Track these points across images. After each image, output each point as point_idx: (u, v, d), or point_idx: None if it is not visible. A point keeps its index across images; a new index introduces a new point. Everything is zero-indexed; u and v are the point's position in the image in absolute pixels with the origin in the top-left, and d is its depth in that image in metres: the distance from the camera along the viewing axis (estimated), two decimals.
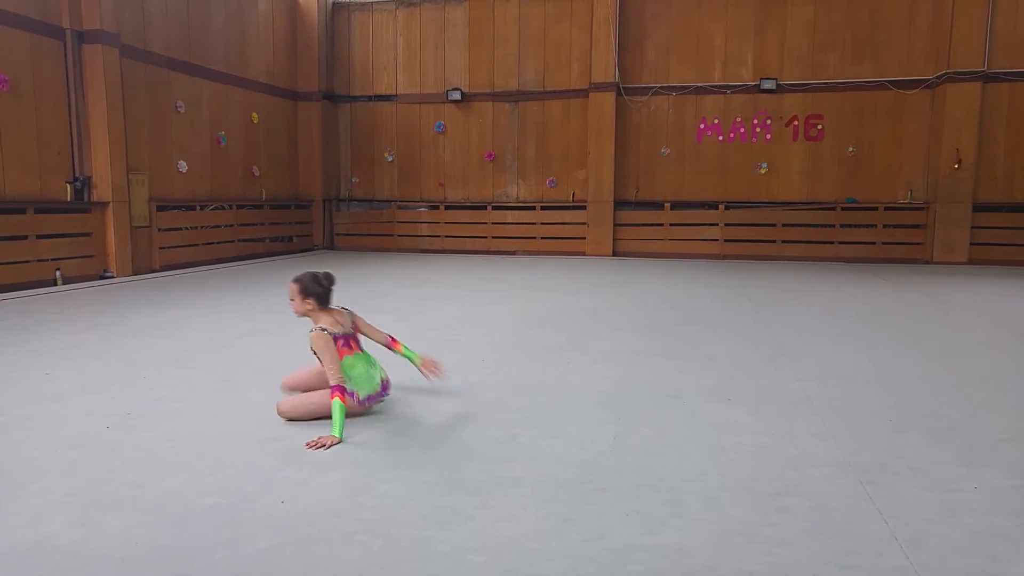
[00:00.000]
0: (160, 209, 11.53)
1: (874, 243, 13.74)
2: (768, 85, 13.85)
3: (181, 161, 12.11)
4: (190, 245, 12.23)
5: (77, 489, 3.03)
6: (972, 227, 13.14)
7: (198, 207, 12.51)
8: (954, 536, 2.67)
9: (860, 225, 13.80)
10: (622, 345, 5.98)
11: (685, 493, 3.03)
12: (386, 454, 3.47)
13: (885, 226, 13.71)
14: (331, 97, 15.86)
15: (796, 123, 14.00)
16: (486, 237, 15.39)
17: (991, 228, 13.13)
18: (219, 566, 2.42)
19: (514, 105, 15.14)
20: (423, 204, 15.77)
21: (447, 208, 15.63)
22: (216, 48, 12.90)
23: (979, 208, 13.12)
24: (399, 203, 15.87)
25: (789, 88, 13.93)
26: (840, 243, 13.87)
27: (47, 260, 9.58)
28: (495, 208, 15.36)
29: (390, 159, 15.82)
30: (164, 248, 11.58)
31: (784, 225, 14.06)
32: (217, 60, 12.91)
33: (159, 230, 11.49)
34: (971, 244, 13.15)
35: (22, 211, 9.27)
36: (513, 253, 15.08)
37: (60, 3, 9.87)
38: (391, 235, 15.88)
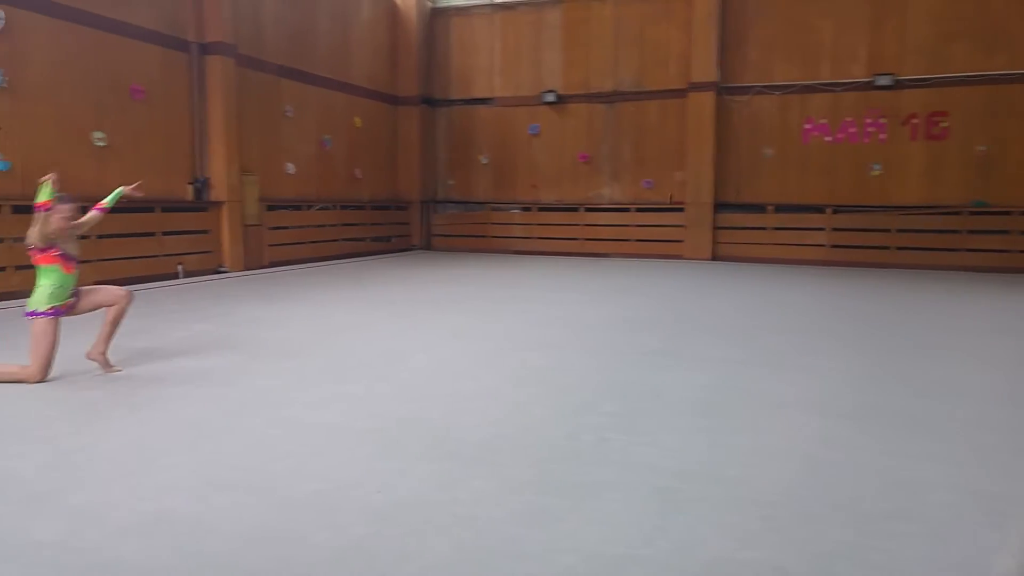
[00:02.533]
0: (270, 209, 12.19)
1: (1008, 251, 12.61)
2: (884, 81, 13.06)
3: (289, 163, 12.74)
4: (297, 243, 12.86)
5: (196, 468, 3.26)
6: None
7: (304, 207, 13.12)
8: None
9: (991, 231, 12.72)
10: (720, 352, 5.81)
11: (783, 508, 2.90)
12: (480, 451, 3.51)
13: (1022, 233, 12.55)
14: (429, 101, 16.24)
15: (916, 121, 13.12)
16: (578, 239, 15.33)
17: None
18: (318, 550, 2.52)
19: (609, 106, 15.01)
20: (516, 206, 15.89)
21: (540, 210, 15.67)
22: (322, 55, 13.47)
23: None
24: (493, 205, 16.04)
25: (908, 84, 13.08)
26: (966, 250, 12.84)
27: (172, 255, 10.34)
28: (588, 210, 15.27)
29: (485, 161, 16.03)
30: (273, 245, 12.23)
31: (899, 231, 13.23)
32: (323, 66, 13.48)
33: (269, 228, 12.14)
34: None
35: (151, 210, 10.02)
36: (606, 255, 14.94)
37: (187, 18, 10.62)
38: (485, 236, 16.09)
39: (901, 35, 13.07)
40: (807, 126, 13.81)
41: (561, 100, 15.20)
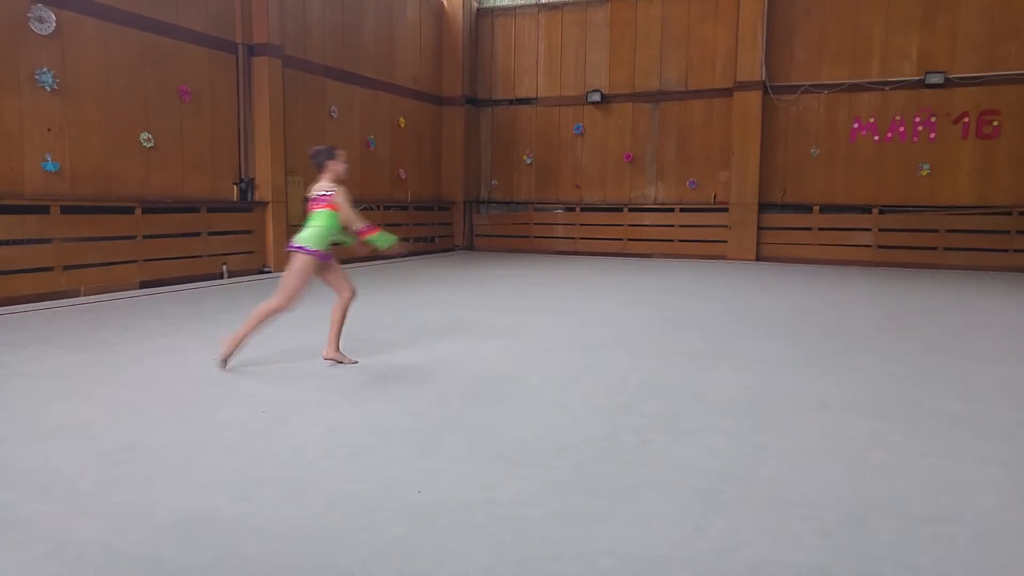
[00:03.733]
0: None
1: None
2: (934, 79, 12.74)
3: None
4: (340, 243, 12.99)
5: (237, 467, 3.31)
6: None
7: None
8: None
9: None
10: (763, 353, 5.75)
11: (826, 510, 2.88)
12: (519, 451, 3.55)
13: None
14: (473, 101, 16.34)
15: (966, 120, 12.77)
16: (622, 239, 15.26)
17: None
18: (359, 548, 2.57)
19: (654, 105, 14.91)
20: (560, 206, 15.89)
21: (583, 210, 15.65)
22: (367, 55, 13.66)
23: None
24: (536, 205, 16.07)
25: (960, 82, 12.74)
26: (1016, 251, 12.51)
27: (216, 255, 10.52)
28: (631, 210, 15.19)
29: (528, 161, 16.07)
30: None
31: (948, 231, 12.89)
32: (368, 67, 13.66)
33: None
34: None
35: (197, 210, 10.25)
36: (650, 256, 14.85)
37: (235, 19, 10.85)
38: (528, 236, 16.13)
39: (953, 33, 12.73)
40: (855, 125, 13.53)
41: (606, 100, 15.15)
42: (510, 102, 16.17)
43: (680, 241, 14.78)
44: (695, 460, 3.43)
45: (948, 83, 12.75)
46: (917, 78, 12.94)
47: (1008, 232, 12.53)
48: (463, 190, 16.27)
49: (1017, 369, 5.31)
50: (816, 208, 13.75)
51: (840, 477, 3.23)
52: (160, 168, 9.77)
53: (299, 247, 4.91)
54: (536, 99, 15.90)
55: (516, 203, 16.34)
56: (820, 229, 13.76)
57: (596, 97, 15.07)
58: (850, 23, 13.37)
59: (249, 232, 11.14)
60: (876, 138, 13.38)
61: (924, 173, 13.07)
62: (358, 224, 4.99)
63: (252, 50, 11.02)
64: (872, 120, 13.38)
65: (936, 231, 12.96)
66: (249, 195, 11.19)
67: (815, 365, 5.37)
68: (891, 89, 13.19)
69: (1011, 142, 12.54)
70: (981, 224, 12.68)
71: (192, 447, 3.56)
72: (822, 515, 2.84)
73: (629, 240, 15.19)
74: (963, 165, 12.86)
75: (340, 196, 4.96)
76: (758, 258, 13.99)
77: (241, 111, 11.06)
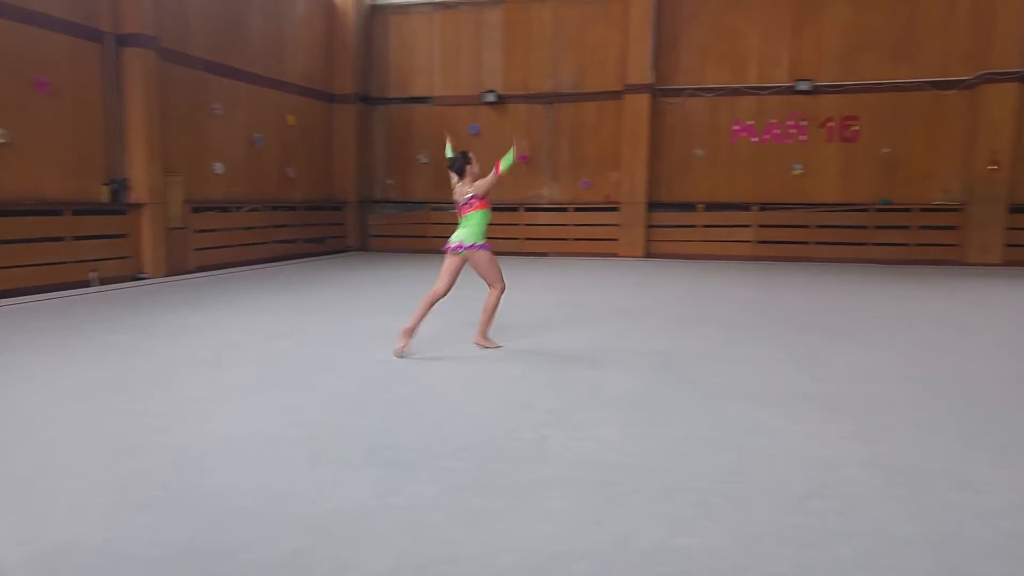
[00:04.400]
0: (196, 211, 11.72)
1: (907, 244, 13.49)
2: (803, 86, 13.67)
3: (217, 163, 12.34)
4: (225, 246, 12.41)
5: (108, 490, 3.07)
6: (1007, 228, 12.84)
7: (234, 208, 12.72)
8: (984, 538, 2.64)
9: (895, 227, 13.55)
10: (652, 346, 5.97)
11: (715, 495, 3.03)
12: (416, 454, 3.52)
13: (920, 227, 13.45)
14: (367, 99, 16.05)
15: (831, 124, 13.79)
16: (518, 239, 15.43)
17: None
18: (250, 567, 2.46)
19: (549, 107, 15.17)
20: (457, 206, 15.83)
21: None
22: (253, 51, 13.12)
23: (1015, 210, 12.81)
24: (433, 205, 15.97)
25: (825, 89, 13.73)
26: (874, 244, 13.64)
27: (84, 261, 9.65)
28: (527, 210, 15.39)
29: (425, 161, 15.95)
30: (199, 250, 11.77)
31: (818, 227, 13.86)
32: (254, 62, 13.13)
33: (195, 231, 11.67)
34: (1006, 246, 12.86)
35: (59, 212, 9.35)
36: (545, 255, 15.10)
37: (101, 7, 10.02)
38: (425, 236, 15.99)
39: (818, 44, 13.72)
40: (735, 127, 14.29)
41: (501, 100, 15.26)
42: (405, 101, 15.99)
43: (574, 240, 15.11)
44: (592, 454, 3.52)
45: (815, 90, 13.71)
46: (788, 84, 13.83)
47: (867, 227, 13.63)
48: (356, 190, 15.95)
49: (877, 352, 5.77)
50: (701, 206, 14.42)
51: (726, 462, 3.40)
52: (15, 167, 8.87)
53: (473, 246, 5.72)
54: (432, 98, 15.80)
55: (412, 203, 16.18)
56: (705, 226, 14.45)
57: (491, 98, 15.16)
58: (729, 31, 14.11)
59: (123, 236, 10.33)
60: (754, 140, 14.19)
61: (797, 173, 13.99)
62: (492, 177, 5.68)
63: (122, 40, 10.26)
64: (751, 123, 14.19)
65: (807, 227, 13.91)
66: (122, 196, 10.42)
67: (699, 356, 5.63)
68: (766, 94, 14.02)
69: (869, 145, 13.68)
70: (844, 220, 13.73)
71: (59, 471, 3.29)
72: (710, 499, 2.99)
73: (525, 240, 15.38)
74: (829, 166, 13.89)
75: (481, 187, 5.72)
76: (647, 255, 14.52)
77: (110, 106, 10.29)
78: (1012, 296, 9.26)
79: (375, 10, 15.92)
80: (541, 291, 9.65)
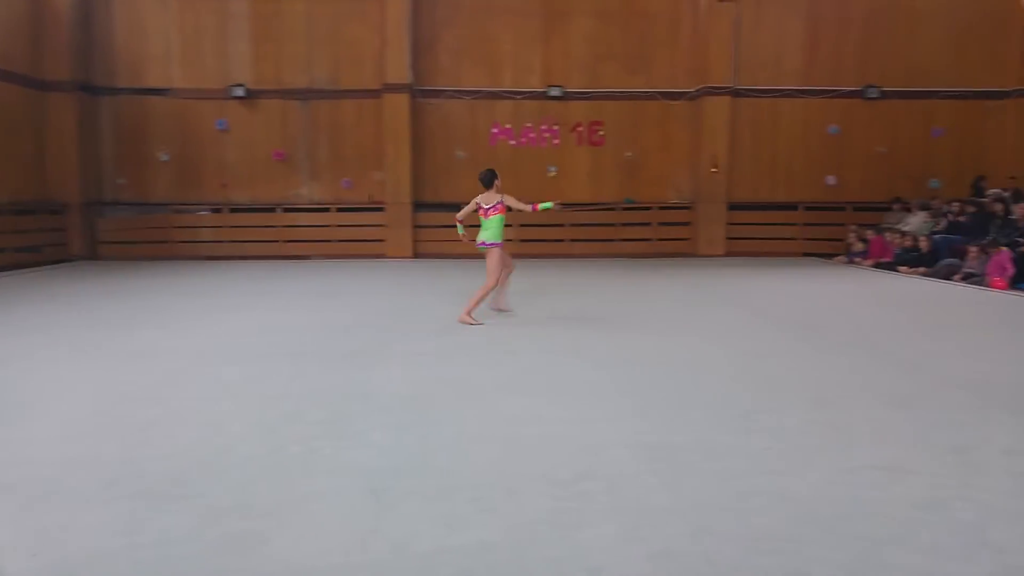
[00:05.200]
0: None
1: (650, 239, 15.01)
2: (555, 92, 14.58)
3: None
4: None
5: None
6: (728, 223, 14.83)
7: None
8: (724, 499, 2.96)
9: (638, 224, 15.00)
10: (421, 347, 5.95)
11: (489, 488, 3.06)
12: (167, 483, 3.13)
13: (660, 224, 15.03)
14: (89, 88, 14.11)
15: (580, 129, 14.88)
16: (277, 241, 14.61)
17: (742, 224, 14.90)
18: None
19: (304, 103, 14.53)
20: (205, 207, 14.61)
21: (232, 211, 14.60)
22: None
23: (733, 207, 14.82)
24: (176, 206, 14.53)
25: (574, 96, 14.77)
26: (622, 240, 14.97)
27: None
28: (286, 210, 14.63)
29: (165, 159, 14.45)
30: None
31: (572, 225, 14.88)
32: None
33: None
34: (728, 239, 14.84)
35: None
36: (308, 258, 14.46)
37: None
38: (167, 242, 14.49)
39: (566, 53, 14.71)
40: (494, 130, 14.83)
41: (252, 95, 14.29)
42: (137, 91, 14.31)
43: (339, 242, 14.67)
44: (365, 461, 3.39)
45: (566, 96, 14.70)
46: (541, 90, 14.67)
47: (614, 225, 14.93)
48: (80, 190, 13.91)
49: (636, 336, 6.31)
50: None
51: (498, 455, 3.46)
52: None
53: (491, 244, 7.06)
54: (170, 90, 14.34)
55: (151, 205, 14.55)
56: (472, 226, 14.78)
57: (240, 92, 14.15)
58: (485, 36, 14.59)
59: None
60: (512, 142, 14.85)
61: (552, 175, 14.89)
62: (527, 206, 7.20)
63: None
64: (508, 126, 14.82)
65: (563, 225, 14.86)
66: None
67: (468, 353, 5.73)
68: (521, 98, 14.74)
69: (613, 149, 14.98)
70: (595, 218, 14.90)
71: None
72: (485, 493, 3.01)
73: (285, 242, 14.61)
74: (581, 168, 14.98)
75: (509, 200, 7.17)
76: (416, 255, 14.55)
77: None
78: (731, 281, 10.66)
79: None
80: (306, 297, 9.23)
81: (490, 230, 7.11)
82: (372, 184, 14.65)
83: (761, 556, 2.50)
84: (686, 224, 15.05)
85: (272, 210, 14.56)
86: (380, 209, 14.55)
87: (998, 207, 11.57)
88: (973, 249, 10.60)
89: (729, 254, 14.69)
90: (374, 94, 14.37)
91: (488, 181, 7.24)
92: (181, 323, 7.14)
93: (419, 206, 14.61)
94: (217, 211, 14.56)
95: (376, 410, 4.20)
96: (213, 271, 12.20)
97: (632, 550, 2.55)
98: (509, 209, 7.19)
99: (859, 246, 13.43)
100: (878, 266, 12.43)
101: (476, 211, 7.25)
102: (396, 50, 14.13)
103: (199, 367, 5.26)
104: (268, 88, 14.38)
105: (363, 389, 4.66)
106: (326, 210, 14.64)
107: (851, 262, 13.30)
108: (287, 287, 10.11)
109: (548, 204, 7.24)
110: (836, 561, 2.47)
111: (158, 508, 2.86)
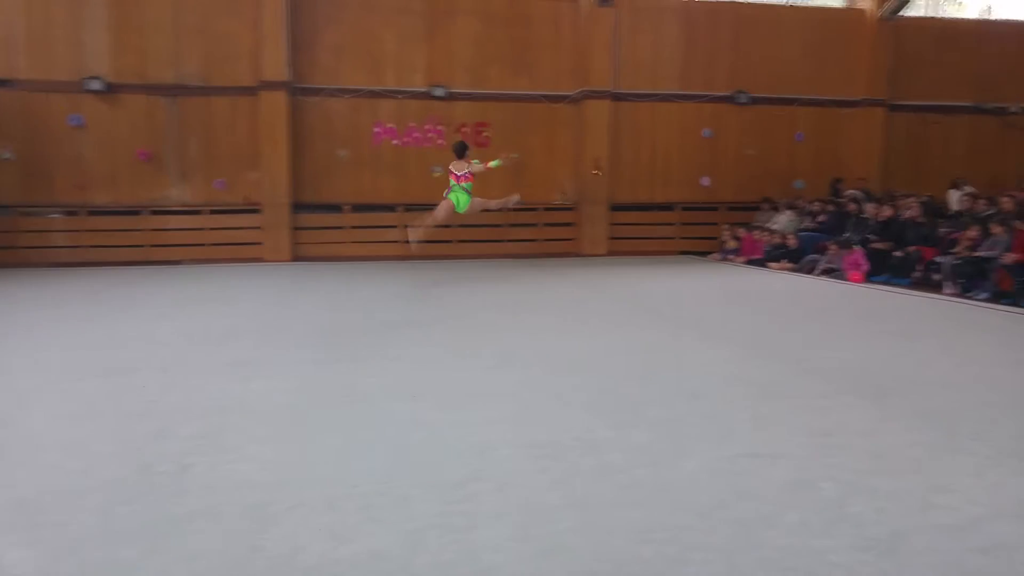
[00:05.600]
0: None
1: (536, 240, 15.22)
2: (439, 92, 14.49)
3: None
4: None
5: None
6: (610, 224, 15.28)
7: None
8: (607, 492, 3.02)
9: (525, 224, 15.16)
10: (303, 354, 5.73)
11: (378, 496, 2.97)
12: (16, 514, 2.83)
13: (545, 224, 15.28)
14: None
15: (465, 130, 14.85)
16: (144, 246, 13.69)
17: (623, 224, 15.40)
18: None
19: (172, 99, 13.69)
20: (57, 210, 13.45)
21: (91, 214, 13.54)
22: None
23: (614, 208, 15.29)
24: (23, 209, 13.30)
25: (458, 96, 14.73)
26: (509, 241, 15.08)
27: None
28: (154, 213, 13.74)
29: (8, 156, 13.19)
30: None
31: (460, 226, 14.82)
32: None
33: None
34: (610, 238, 15.29)
35: None
36: (179, 263, 13.64)
37: None
38: (13, 247, 13.21)
39: (450, 53, 14.66)
40: (377, 129, 14.56)
41: (112, 89, 13.30)
42: None
43: (212, 245, 13.92)
44: (244, 476, 3.21)
45: (450, 96, 14.64)
46: (425, 89, 14.54)
47: (501, 225, 15.00)
48: None
49: (524, 337, 6.34)
50: (347, 207, 14.41)
51: (386, 462, 3.38)
52: None
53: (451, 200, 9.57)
54: (15, 82, 13.12)
55: None
56: (352, 227, 14.48)
57: (98, 85, 13.15)
58: (366, 34, 14.28)
59: None
60: (396, 142, 14.63)
61: (436, 175, 14.76)
62: (482, 167, 9.67)
63: None
64: (391, 126, 14.59)
65: (450, 226, 14.77)
66: None
67: (354, 359, 5.57)
68: (404, 98, 14.55)
69: (499, 150, 14.87)
70: (482, 219, 14.82)
71: None
72: (373, 501, 2.92)
73: (152, 247, 13.72)
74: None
75: (476, 168, 9.65)
76: (295, 258, 14.05)
77: None
78: (614, 280, 11.00)
79: None
80: (177, 305, 8.71)
81: (460, 192, 9.57)
82: (248, 185, 14.02)
83: (644, 546, 2.56)
84: (570, 225, 15.37)
85: (138, 213, 13.64)
86: (257, 211, 13.95)
87: (853, 207, 12.61)
88: (832, 246, 11.49)
89: (611, 253, 15.14)
90: (249, 91, 13.76)
91: (460, 152, 9.60)
92: (34, 337, 6.53)
93: (298, 207, 14.14)
94: (73, 214, 13.46)
95: (255, 422, 3.99)
96: (70, 278, 11.25)
97: (523, 548, 2.54)
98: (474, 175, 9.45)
99: (732, 244, 14.24)
100: (750, 262, 13.22)
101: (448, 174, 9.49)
102: (273, 46, 13.60)
103: (50, 384, 4.81)
104: (131, 83, 13.46)
105: (241, 400, 4.42)
106: (198, 212, 13.87)
107: (725, 259, 14.08)
108: (155, 293, 9.49)
109: (496, 162, 9.64)
110: (712, 545, 2.57)
111: (4, 540, 2.58)
